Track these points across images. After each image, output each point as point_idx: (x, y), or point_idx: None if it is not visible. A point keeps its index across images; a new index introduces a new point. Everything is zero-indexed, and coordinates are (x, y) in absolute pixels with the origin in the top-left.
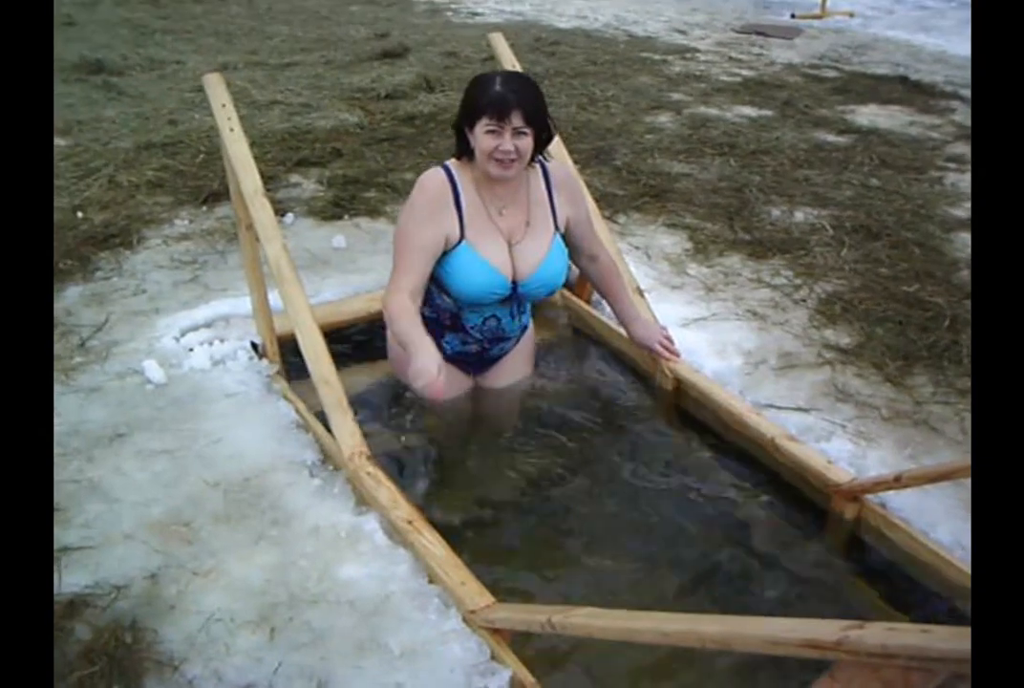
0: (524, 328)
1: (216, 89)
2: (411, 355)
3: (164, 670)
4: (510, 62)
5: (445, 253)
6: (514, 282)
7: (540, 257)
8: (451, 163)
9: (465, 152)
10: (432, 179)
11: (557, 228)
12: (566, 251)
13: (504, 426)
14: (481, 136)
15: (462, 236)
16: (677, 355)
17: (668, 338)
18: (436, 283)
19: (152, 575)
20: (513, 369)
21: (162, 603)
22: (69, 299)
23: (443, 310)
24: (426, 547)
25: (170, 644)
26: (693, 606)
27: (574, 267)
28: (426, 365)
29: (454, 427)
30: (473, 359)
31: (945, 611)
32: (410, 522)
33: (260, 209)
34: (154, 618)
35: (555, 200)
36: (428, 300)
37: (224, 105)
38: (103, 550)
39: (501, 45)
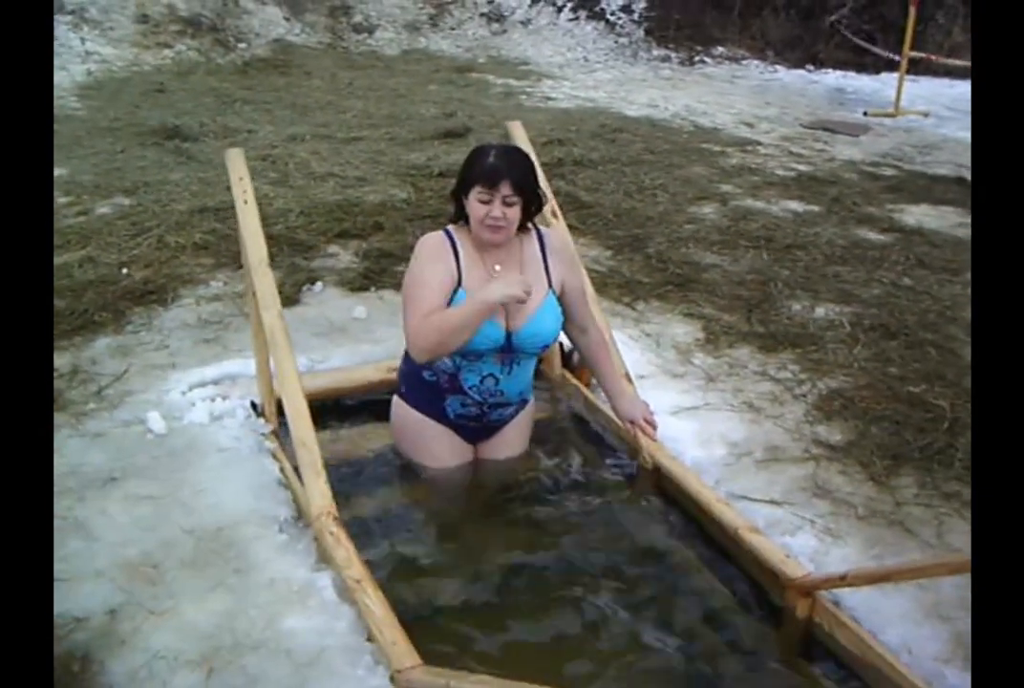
0: (524, 401)
1: (236, 163)
2: (486, 296)
3: None
4: (527, 149)
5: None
6: (508, 333)
7: (532, 309)
8: (451, 227)
9: (461, 217)
10: (432, 237)
11: (551, 287)
12: (559, 310)
13: (494, 498)
14: (474, 203)
15: (460, 283)
16: (654, 429)
17: (649, 415)
18: None
19: (112, 611)
20: (511, 441)
21: (115, 638)
22: (97, 349)
23: (442, 371)
24: (368, 606)
25: (113, 677)
26: None
27: (575, 342)
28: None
29: (446, 495)
30: (474, 425)
31: None
32: (358, 581)
33: (262, 278)
34: (104, 651)
35: (549, 262)
36: (429, 364)
37: (241, 178)
38: (73, 584)
39: (518, 133)
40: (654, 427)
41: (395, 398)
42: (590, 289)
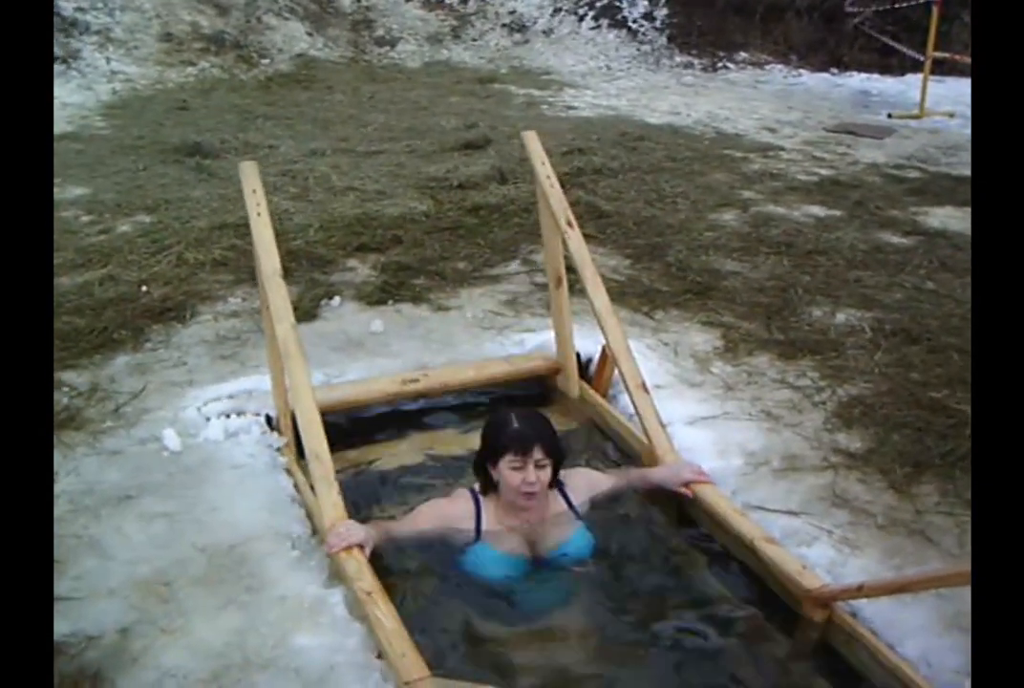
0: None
1: (249, 176)
2: None
3: None
4: (540, 160)
5: (462, 553)
6: (535, 559)
7: (560, 540)
8: (479, 493)
9: (490, 487)
10: (458, 502)
11: (579, 519)
12: (590, 535)
13: None
14: (506, 472)
15: (477, 538)
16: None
17: (696, 468)
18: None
19: (124, 629)
20: None
21: (127, 656)
22: (115, 367)
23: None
24: (378, 618)
25: None
26: None
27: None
28: (347, 533)
29: None
30: None
31: None
32: (369, 593)
33: (275, 290)
34: (116, 669)
35: (573, 501)
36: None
37: (255, 191)
38: (87, 602)
39: (533, 143)
40: (703, 474)
41: None
42: (606, 299)
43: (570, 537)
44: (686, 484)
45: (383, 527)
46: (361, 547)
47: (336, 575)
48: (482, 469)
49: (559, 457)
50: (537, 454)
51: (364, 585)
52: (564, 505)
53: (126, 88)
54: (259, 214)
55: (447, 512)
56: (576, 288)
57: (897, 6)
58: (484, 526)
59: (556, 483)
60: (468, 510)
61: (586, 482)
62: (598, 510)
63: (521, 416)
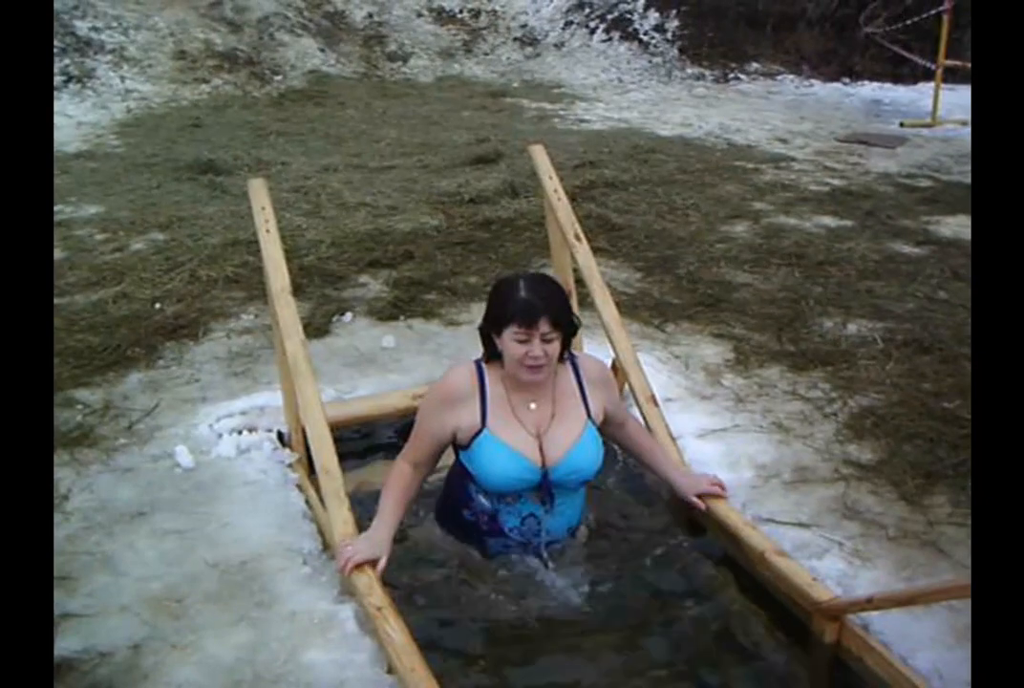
0: (572, 530)
1: (258, 193)
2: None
3: None
4: (547, 173)
5: (468, 447)
6: (544, 469)
7: (569, 443)
8: (483, 362)
9: (493, 355)
10: (459, 373)
11: (590, 417)
12: (600, 441)
13: None
14: (510, 343)
15: (483, 426)
16: (723, 490)
17: (715, 480)
18: (468, 476)
19: (136, 645)
20: None
21: (138, 672)
22: (129, 384)
23: (480, 512)
24: (388, 633)
25: None
26: None
27: (614, 438)
28: (355, 552)
29: None
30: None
31: None
32: (379, 608)
33: (284, 306)
34: (127, 686)
35: (587, 392)
36: (466, 500)
37: (264, 208)
38: (99, 619)
39: (541, 157)
40: (723, 488)
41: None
42: (614, 312)
43: (579, 438)
44: (700, 495)
45: (390, 515)
46: (373, 563)
47: (347, 590)
48: (486, 337)
49: (570, 330)
50: (544, 327)
51: (374, 600)
52: (574, 383)
53: (140, 106)
54: (268, 231)
55: (449, 392)
56: (586, 301)
57: (909, 21)
58: (489, 402)
59: (568, 357)
60: (472, 384)
61: (600, 376)
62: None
63: (528, 282)
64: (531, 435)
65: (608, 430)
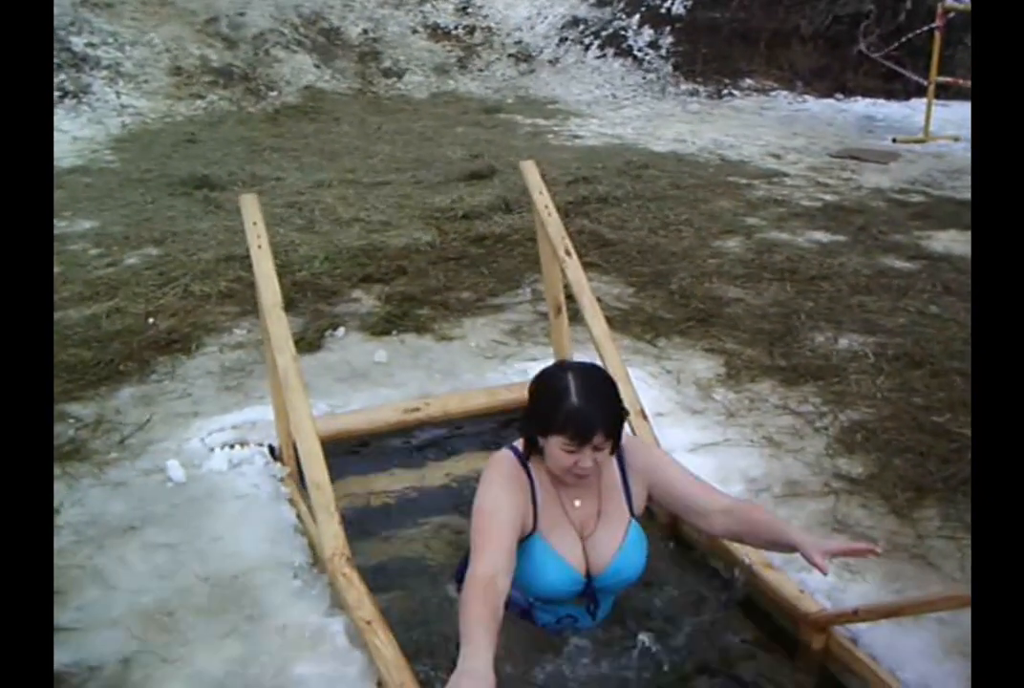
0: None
1: (250, 208)
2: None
3: None
4: (538, 189)
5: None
6: (588, 577)
7: (614, 548)
8: (522, 448)
9: (536, 451)
10: (506, 462)
11: (633, 514)
12: (645, 540)
13: None
14: (556, 451)
15: (535, 527)
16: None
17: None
18: None
19: (126, 659)
20: None
21: (128, 686)
22: (121, 399)
23: (512, 602)
24: (378, 647)
25: None
26: None
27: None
28: None
29: None
30: None
31: None
32: (369, 622)
33: (276, 321)
34: None
35: (630, 483)
36: None
37: (255, 223)
38: (89, 633)
39: (531, 173)
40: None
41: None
42: (604, 327)
43: (623, 541)
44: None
45: (482, 638)
46: None
47: (336, 602)
48: (528, 432)
49: (621, 432)
50: (598, 440)
51: (364, 614)
52: (618, 473)
53: (135, 122)
54: (260, 246)
55: (513, 494)
56: (578, 316)
57: (903, 39)
58: (540, 501)
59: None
60: (525, 484)
61: (645, 463)
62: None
63: (580, 384)
64: (577, 540)
65: (712, 523)
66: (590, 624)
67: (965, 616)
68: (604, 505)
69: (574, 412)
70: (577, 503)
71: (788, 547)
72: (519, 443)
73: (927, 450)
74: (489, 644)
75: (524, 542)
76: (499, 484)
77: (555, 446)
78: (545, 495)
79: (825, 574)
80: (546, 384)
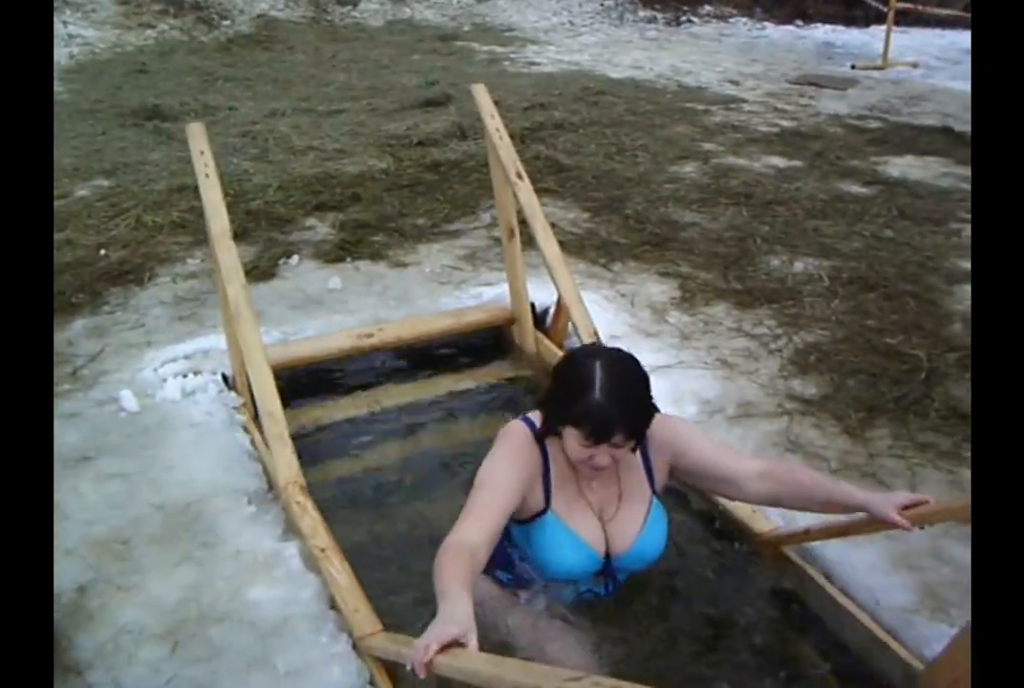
0: None
1: (196, 137)
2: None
3: (69, 675)
4: (489, 113)
5: (527, 523)
6: (607, 557)
7: (636, 530)
8: (536, 420)
9: (553, 433)
10: (520, 436)
11: (655, 492)
12: (666, 518)
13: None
14: (572, 442)
15: (547, 506)
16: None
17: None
18: (514, 544)
19: (81, 588)
20: None
21: (83, 614)
22: (73, 331)
23: (526, 580)
24: (332, 574)
25: (80, 652)
26: (605, 657)
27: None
28: (441, 633)
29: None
30: None
31: (853, 665)
32: (323, 550)
33: (225, 251)
34: (73, 627)
35: (652, 458)
36: (505, 563)
37: (202, 152)
38: None
39: (483, 97)
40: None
41: None
42: (556, 250)
43: (645, 521)
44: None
45: (460, 591)
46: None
47: (291, 529)
48: (546, 414)
49: (644, 431)
50: (616, 439)
51: (318, 542)
52: (639, 460)
53: (84, 52)
54: (207, 175)
55: (522, 467)
56: (532, 241)
57: None
58: (554, 478)
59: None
60: (536, 461)
61: (665, 438)
62: None
63: (608, 381)
64: (596, 521)
65: (749, 490)
66: (604, 594)
67: (912, 534)
68: (624, 485)
69: (595, 408)
70: (595, 484)
71: (849, 507)
72: (534, 415)
73: (879, 371)
74: (467, 597)
75: (535, 521)
76: (505, 458)
77: (571, 437)
78: (560, 473)
79: (910, 530)
80: (571, 370)
